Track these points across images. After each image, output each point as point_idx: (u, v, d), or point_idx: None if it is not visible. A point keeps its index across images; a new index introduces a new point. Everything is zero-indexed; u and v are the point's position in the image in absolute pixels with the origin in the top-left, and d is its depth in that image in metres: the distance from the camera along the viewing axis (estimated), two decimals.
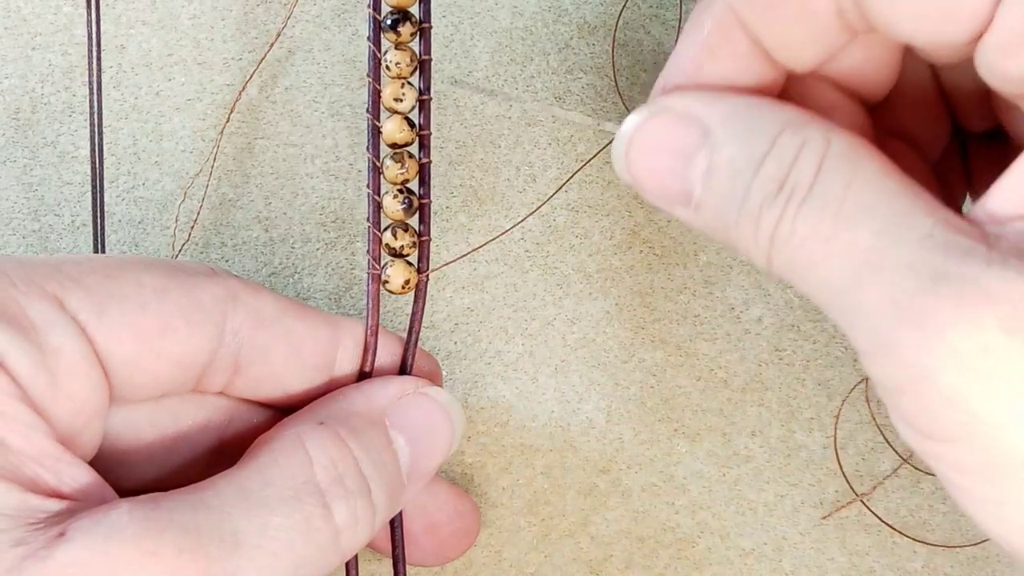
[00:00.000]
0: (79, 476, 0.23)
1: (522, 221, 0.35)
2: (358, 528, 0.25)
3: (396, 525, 0.29)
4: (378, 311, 0.28)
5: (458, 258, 0.34)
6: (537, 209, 0.35)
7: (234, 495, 0.23)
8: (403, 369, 0.29)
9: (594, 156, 0.35)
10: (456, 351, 0.35)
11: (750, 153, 0.22)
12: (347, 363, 0.28)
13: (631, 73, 0.35)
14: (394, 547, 0.29)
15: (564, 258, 0.35)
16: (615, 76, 0.35)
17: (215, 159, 0.34)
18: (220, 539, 0.22)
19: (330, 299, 0.34)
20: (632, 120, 0.24)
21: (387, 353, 0.29)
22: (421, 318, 0.29)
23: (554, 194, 0.34)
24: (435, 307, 0.35)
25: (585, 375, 0.34)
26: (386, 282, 0.28)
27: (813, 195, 0.21)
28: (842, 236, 0.20)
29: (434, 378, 0.30)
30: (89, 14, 0.32)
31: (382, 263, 0.28)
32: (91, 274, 0.25)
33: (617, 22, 0.35)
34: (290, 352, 0.27)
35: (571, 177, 0.34)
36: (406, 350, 0.29)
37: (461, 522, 0.31)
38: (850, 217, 0.20)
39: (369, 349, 0.28)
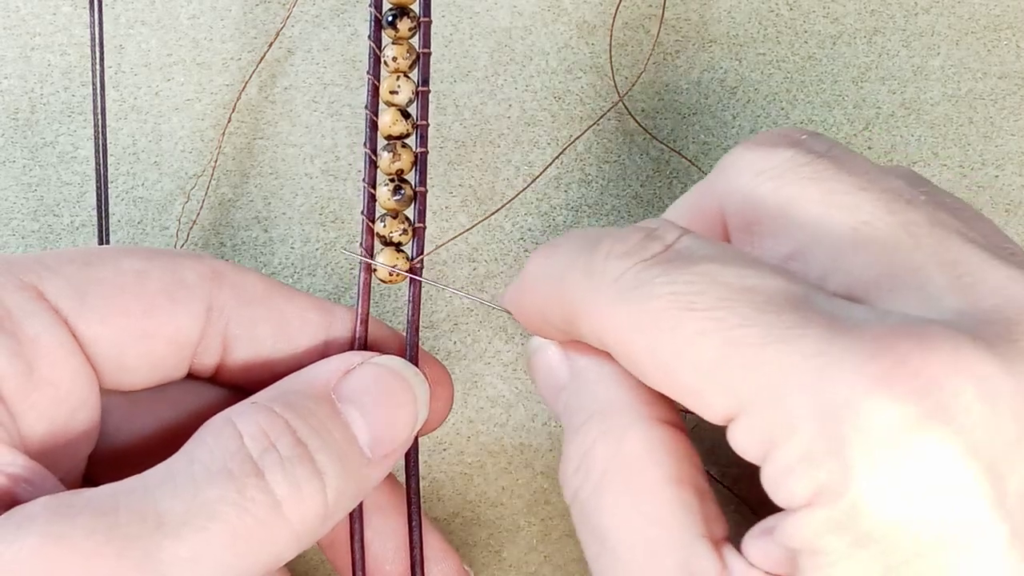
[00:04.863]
0: (31, 478, 0.22)
1: (508, 203, 0.35)
2: (304, 498, 0.23)
3: (413, 514, 0.29)
4: (368, 300, 0.28)
5: (443, 243, 0.34)
6: (524, 190, 0.35)
7: (159, 477, 0.22)
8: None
9: (581, 135, 0.35)
10: (456, 351, 0.34)
11: (573, 422, 0.24)
12: (339, 351, 0.27)
13: (630, 73, 0.35)
14: (411, 533, 0.29)
15: None
16: (613, 76, 0.35)
17: (216, 160, 0.34)
18: (140, 519, 0.21)
19: (329, 299, 0.34)
20: (533, 344, 0.27)
21: (385, 348, 0.28)
22: (419, 304, 0.28)
23: (538, 176, 0.34)
24: (435, 307, 0.35)
25: None
26: (375, 270, 0.28)
27: (598, 490, 0.23)
28: (606, 547, 0.23)
29: (441, 384, 0.29)
30: (91, 14, 0.32)
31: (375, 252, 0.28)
32: (69, 263, 0.25)
33: (613, 21, 0.35)
34: (278, 332, 0.27)
35: (556, 157, 0.34)
36: (408, 336, 0.28)
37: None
38: (598, 533, 0.23)
39: (358, 339, 0.28)
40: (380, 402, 0.26)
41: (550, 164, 0.35)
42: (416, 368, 0.27)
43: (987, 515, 0.19)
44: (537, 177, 0.35)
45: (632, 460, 0.23)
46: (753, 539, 0.21)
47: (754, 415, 0.20)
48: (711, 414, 0.21)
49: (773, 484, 0.20)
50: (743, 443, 0.21)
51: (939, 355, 0.19)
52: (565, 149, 0.35)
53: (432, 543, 0.29)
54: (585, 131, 0.35)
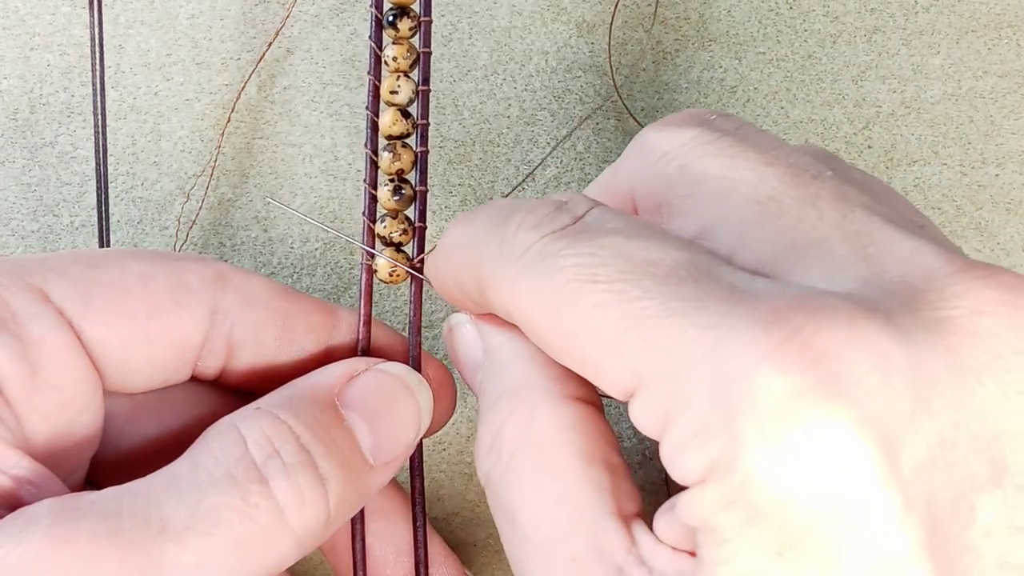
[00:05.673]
0: (36, 480, 0.22)
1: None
2: (306, 504, 0.23)
3: (418, 514, 0.29)
4: (370, 302, 0.28)
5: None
6: (519, 184, 0.34)
7: (163, 482, 0.22)
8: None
9: (574, 128, 0.34)
10: None
11: (486, 402, 0.24)
12: (344, 356, 0.27)
13: (630, 72, 0.35)
14: (415, 536, 0.29)
15: None
16: (612, 75, 0.35)
17: (216, 159, 0.34)
18: (144, 523, 0.21)
19: (329, 299, 0.34)
20: (451, 321, 0.27)
21: (387, 349, 0.28)
22: (420, 304, 0.28)
23: (533, 170, 0.34)
24: (435, 307, 0.34)
25: None
26: (376, 271, 0.28)
27: (509, 470, 0.23)
28: (517, 528, 0.23)
29: (444, 386, 0.29)
30: (91, 14, 0.32)
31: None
32: (74, 265, 0.25)
33: (612, 20, 0.35)
34: (282, 335, 0.27)
35: (551, 152, 0.34)
36: (410, 337, 0.28)
37: None
38: (509, 514, 0.23)
39: (361, 340, 0.28)
40: (384, 410, 0.26)
41: (546, 156, 0.35)
42: (420, 375, 0.27)
43: (879, 487, 0.18)
44: (532, 172, 0.35)
45: (542, 439, 0.23)
46: (661, 515, 0.21)
47: (652, 390, 0.20)
48: (613, 389, 0.21)
49: (669, 461, 0.19)
50: (642, 419, 0.20)
51: (832, 326, 0.18)
52: (559, 144, 0.35)
53: (433, 546, 0.29)
54: (579, 123, 0.35)
